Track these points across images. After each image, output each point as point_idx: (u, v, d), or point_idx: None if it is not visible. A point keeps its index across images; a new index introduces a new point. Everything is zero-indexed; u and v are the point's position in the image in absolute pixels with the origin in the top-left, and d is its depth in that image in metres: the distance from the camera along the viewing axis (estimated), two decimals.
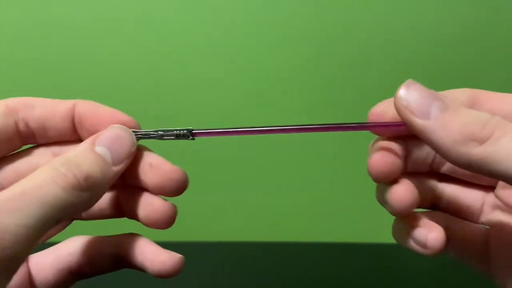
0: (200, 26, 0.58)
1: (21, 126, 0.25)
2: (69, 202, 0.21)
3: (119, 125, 0.25)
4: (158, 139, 0.25)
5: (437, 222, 0.26)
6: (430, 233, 0.24)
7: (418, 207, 0.26)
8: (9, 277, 0.19)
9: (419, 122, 0.22)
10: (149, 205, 0.25)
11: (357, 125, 0.25)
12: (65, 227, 0.27)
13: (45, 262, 0.26)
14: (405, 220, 0.26)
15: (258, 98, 0.60)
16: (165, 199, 0.25)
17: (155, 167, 0.25)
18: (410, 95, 0.22)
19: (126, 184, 0.26)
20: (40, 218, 0.19)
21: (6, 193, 0.20)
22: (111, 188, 0.26)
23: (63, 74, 0.58)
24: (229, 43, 0.58)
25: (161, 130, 0.26)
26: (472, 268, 0.29)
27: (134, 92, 0.59)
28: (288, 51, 0.58)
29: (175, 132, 0.25)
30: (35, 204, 0.19)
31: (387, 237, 0.63)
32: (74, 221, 0.27)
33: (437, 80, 0.57)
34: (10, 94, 0.26)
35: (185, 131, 0.25)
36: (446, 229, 0.26)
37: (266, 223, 0.64)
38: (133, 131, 0.25)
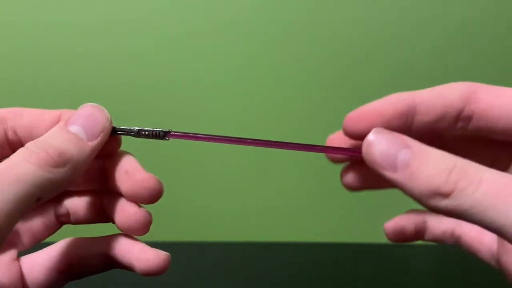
0: (199, 26, 0.58)
1: (10, 134, 0.26)
2: (46, 178, 0.21)
3: (90, 103, 0.26)
4: (134, 136, 0.26)
5: (444, 218, 0.27)
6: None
7: None
8: None
9: (387, 174, 0.22)
10: (124, 211, 0.26)
11: (315, 147, 0.26)
12: (56, 230, 0.28)
13: (37, 261, 0.27)
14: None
15: (255, 101, 0.60)
16: (140, 206, 0.26)
17: (129, 174, 0.25)
18: (376, 149, 0.23)
19: (108, 190, 0.27)
20: (17, 193, 0.20)
21: None
22: (95, 193, 0.27)
23: (58, 75, 0.59)
24: (224, 44, 0.58)
25: (138, 128, 0.26)
26: (480, 259, 0.29)
27: (129, 93, 0.59)
28: (281, 54, 0.59)
29: (151, 131, 0.26)
30: (10, 181, 0.20)
31: (385, 238, 0.63)
32: (67, 226, 0.28)
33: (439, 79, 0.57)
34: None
35: (161, 132, 0.26)
36: (455, 224, 0.28)
37: (267, 223, 0.64)
38: (116, 127, 0.26)
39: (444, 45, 0.59)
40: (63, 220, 0.28)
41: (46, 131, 0.25)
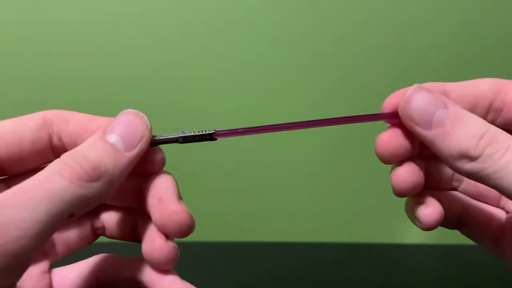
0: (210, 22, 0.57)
1: (55, 140, 0.25)
2: (79, 194, 0.20)
3: (129, 109, 0.24)
4: (180, 142, 0.25)
5: (453, 202, 0.28)
6: (424, 209, 0.25)
7: (435, 188, 0.28)
8: (17, 274, 0.19)
9: (420, 131, 0.23)
10: (150, 241, 0.25)
11: (352, 117, 0.25)
12: (92, 242, 0.28)
13: (67, 276, 0.26)
14: (412, 196, 0.26)
15: (263, 96, 0.59)
16: (169, 238, 0.25)
17: (162, 202, 0.24)
18: (414, 104, 0.23)
19: (143, 211, 0.26)
20: (48, 211, 0.19)
21: (13, 189, 0.19)
22: (131, 212, 0.27)
23: (65, 75, 0.58)
24: (231, 41, 0.58)
25: (183, 134, 0.25)
26: (482, 247, 0.30)
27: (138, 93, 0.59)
28: (295, 50, 0.58)
29: (198, 135, 0.25)
30: (41, 197, 0.19)
31: (387, 238, 0.63)
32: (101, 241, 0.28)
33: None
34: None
35: (206, 135, 0.25)
36: (462, 210, 0.28)
37: (266, 223, 0.64)
38: (152, 136, 0.25)
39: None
40: (99, 232, 0.28)
41: None
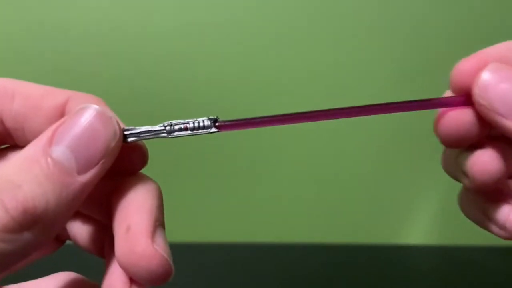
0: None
1: None
2: (1, 251, 0.14)
3: (89, 105, 0.17)
4: (165, 137, 0.19)
5: None
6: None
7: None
8: None
9: (506, 124, 0.17)
10: (110, 282, 0.18)
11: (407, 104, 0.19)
12: (54, 251, 0.22)
13: None
14: (481, 193, 0.20)
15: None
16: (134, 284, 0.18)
17: (130, 234, 0.17)
18: (494, 88, 0.17)
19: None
20: None
21: None
22: (100, 225, 0.20)
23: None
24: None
25: (170, 123, 0.18)
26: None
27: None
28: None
29: (193, 124, 0.18)
30: None
31: (387, 238, 0.62)
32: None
33: None
34: None
35: (206, 122, 0.18)
36: None
37: (266, 223, 0.63)
38: (127, 129, 0.18)
39: None
40: (64, 238, 0.21)
41: (44, 125, 0.18)
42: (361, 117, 0.19)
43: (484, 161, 0.18)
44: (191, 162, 0.59)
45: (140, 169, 0.19)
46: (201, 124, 0.18)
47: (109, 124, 0.17)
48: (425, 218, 0.61)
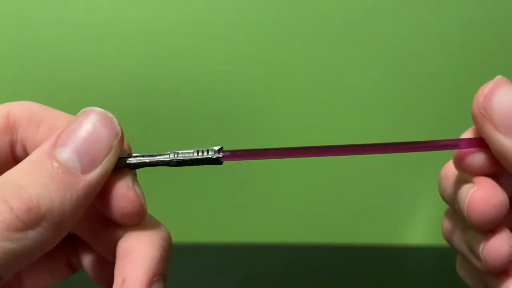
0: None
1: (19, 149, 0.19)
2: (7, 251, 0.14)
3: (92, 108, 0.17)
4: (172, 165, 0.19)
5: None
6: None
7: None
8: None
9: (501, 141, 0.17)
10: None
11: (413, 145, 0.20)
12: (65, 278, 0.21)
13: None
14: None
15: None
16: None
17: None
18: (496, 101, 0.17)
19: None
20: None
21: None
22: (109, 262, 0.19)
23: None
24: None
25: (174, 157, 0.18)
26: None
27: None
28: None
29: (193, 156, 0.19)
30: None
31: (387, 239, 0.63)
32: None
33: None
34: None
35: (210, 153, 0.19)
36: None
37: (265, 224, 0.63)
38: (134, 156, 0.18)
39: None
40: (76, 267, 0.21)
41: None
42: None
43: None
44: (179, 142, 0.58)
45: (135, 223, 0.18)
46: (206, 153, 0.19)
47: (110, 124, 0.17)
48: (425, 218, 0.61)
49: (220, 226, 0.62)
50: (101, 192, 0.17)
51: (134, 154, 0.18)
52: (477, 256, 0.19)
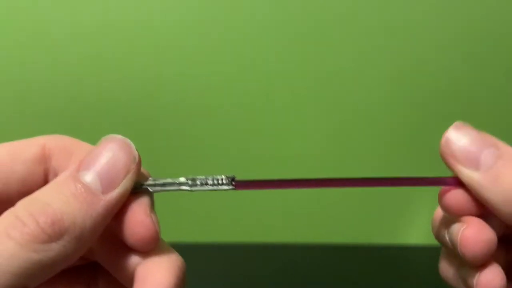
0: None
1: (51, 177, 0.20)
2: (33, 261, 0.16)
3: (113, 135, 0.19)
4: (188, 190, 0.21)
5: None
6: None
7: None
8: None
9: (466, 173, 0.19)
10: None
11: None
12: None
13: None
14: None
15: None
16: None
17: None
18: (458, 141, 0.20)
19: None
20: None
21: None
22: None
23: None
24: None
25: (191, 183, 0.20)
26: None
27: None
28: None
29: (213, 181, 0.21)
30: None
31: (387, 239, 0.63)
32: None
33: None
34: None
35: (225, 181, 0.21)
36: None
37: (265, 224, 0.63)
38: (152, 179, 0.20)
39: None
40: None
41: None
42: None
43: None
44: (191, 162, 0.59)
45: (149, 249, 0.19)
46: (219, 181, 0.21)
47: (128, 149, 0.19)
48: (425, 218, 0.61)
49: (220, 226, 0.63)
50: (120, 216, 0.19)
51: (151, 178, 0.20)
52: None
